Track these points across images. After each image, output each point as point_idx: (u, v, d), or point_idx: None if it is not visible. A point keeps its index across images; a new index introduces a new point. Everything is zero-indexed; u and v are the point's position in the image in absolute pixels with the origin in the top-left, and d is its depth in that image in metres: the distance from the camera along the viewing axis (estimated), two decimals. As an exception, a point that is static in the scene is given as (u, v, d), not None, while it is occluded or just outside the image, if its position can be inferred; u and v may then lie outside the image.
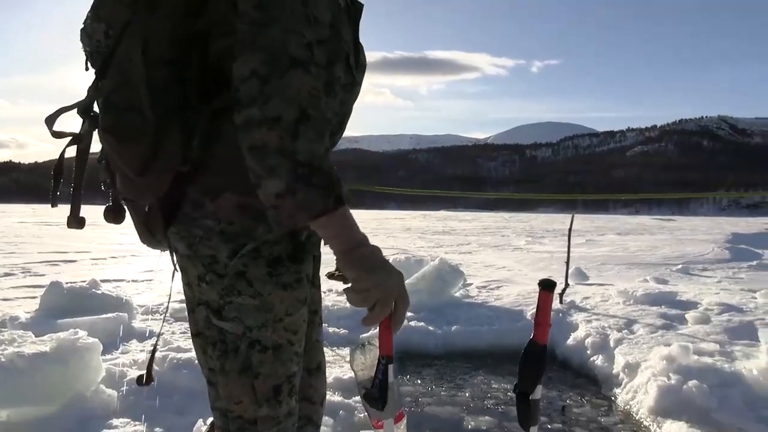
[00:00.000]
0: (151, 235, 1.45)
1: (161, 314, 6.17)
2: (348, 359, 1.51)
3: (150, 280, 8.95)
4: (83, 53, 1.47)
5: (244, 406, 1.37)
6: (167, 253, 1.47)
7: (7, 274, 10.10)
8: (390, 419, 1.32)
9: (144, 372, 1.60)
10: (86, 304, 5.88)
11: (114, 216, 1.46)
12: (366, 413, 1.41)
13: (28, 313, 5.89)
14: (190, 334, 1.49)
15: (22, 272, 10.41)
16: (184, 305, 1.49)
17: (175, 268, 1.45)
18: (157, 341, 1.65)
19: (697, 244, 17.17)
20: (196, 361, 1.51)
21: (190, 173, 1.31)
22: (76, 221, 1.44)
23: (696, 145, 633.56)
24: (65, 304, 5.86)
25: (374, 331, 1.32)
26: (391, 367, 1.31)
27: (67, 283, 6.27)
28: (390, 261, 1.28)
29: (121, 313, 5.68)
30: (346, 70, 1.40)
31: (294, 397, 1.44)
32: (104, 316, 5.53)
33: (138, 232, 1.50)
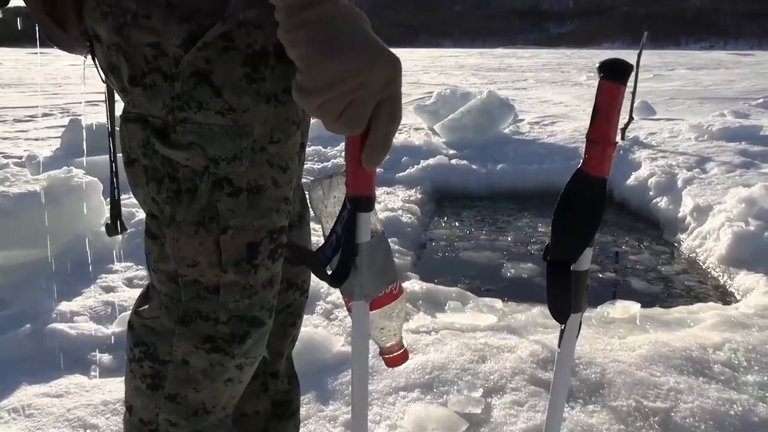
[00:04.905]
0: (60, 26, 0.91)
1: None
2: (308, 197, 0.97)
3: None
4: None
5: (201, 270, 0.91)
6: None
7: (45, 115, 9.97)
8: (362, 302, 0.81)
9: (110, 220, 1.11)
10: (107, 143, 5.60)
11: None
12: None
13: (51, 152, 5.67)
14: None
15: (61, 113, 10.27)
16: None
17: (100, 73, 0.92)
18: (113, 178, 1.08)
19: (781, 78, 15.59)
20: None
21: None
22: None
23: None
24: (86, 143, 5.58)
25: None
26: (365, 217, 0.78)
27: (88, 122, 5.96)
28: (389, 50, 0.69)
29: (142, 152, 5.36)
30: None
31: (278, 261, 0.96)
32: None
33: (42, 26, 0.95)
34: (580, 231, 0.71)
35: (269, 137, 0.87)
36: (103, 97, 1.08)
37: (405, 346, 0.93)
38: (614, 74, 0.66)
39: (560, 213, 0.72)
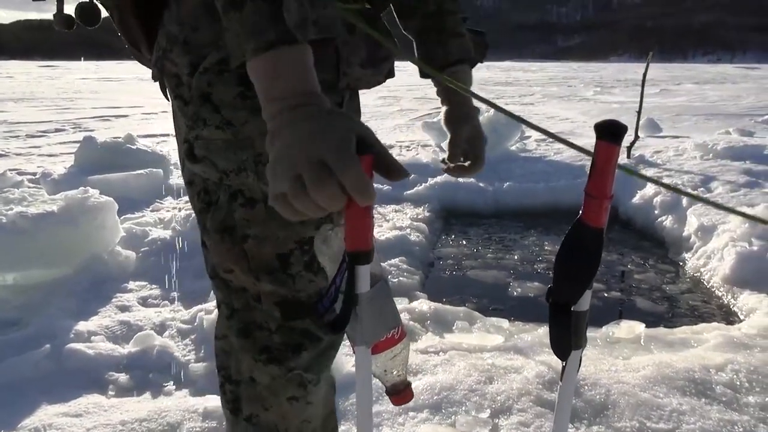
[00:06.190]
0: (135, 47, 1.10)
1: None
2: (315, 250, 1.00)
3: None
4: None
5: (237, 276, 1.00)
6: None
7: (57, 130, 10.12)
8: (363, 347, 0.83)
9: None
10: (121, 161, 5.67)
11: (86, 16, 1.08)
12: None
13: (65, 168, 5.76)
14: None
15: (73, 128, 10.41)
16: None
17: (165, 96, 1.06)
18: None
19: (787, 93, 15.62)
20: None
21: None
22: (62, 20, 1.09)
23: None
24: (100, 160, 5.66)
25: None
26: (363, 269, 0.79)
27: (102, 138, 6.05)
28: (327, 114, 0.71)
29: (155, 170, 5.45)
30: None
31: (321, 273, 1.01)
32: (137, 172, 5.30)
33: (131, 51, 1.14)
34: (580, 276, 0.77)
35: None
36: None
37: (409, 383, 0.98)
38: (610, 136, 0.72)
39: (562, 259, 0.78)
